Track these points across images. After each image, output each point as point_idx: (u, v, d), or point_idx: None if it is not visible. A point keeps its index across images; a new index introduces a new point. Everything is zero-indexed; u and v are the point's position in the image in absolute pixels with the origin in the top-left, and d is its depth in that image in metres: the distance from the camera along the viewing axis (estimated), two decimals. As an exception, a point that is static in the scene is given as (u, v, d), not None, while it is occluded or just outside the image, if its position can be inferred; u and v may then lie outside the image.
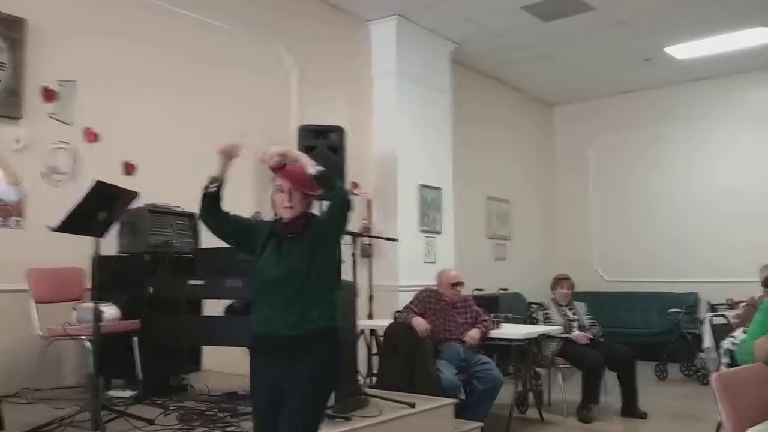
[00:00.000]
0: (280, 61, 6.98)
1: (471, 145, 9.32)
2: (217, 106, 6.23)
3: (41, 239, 4.71)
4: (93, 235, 3.94)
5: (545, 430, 5.90)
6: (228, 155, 2.90)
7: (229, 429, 3.78)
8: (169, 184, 5.38)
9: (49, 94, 5.27)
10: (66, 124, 5.33)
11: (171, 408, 4.29)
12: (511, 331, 5.90)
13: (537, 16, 7.80)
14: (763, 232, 9.24)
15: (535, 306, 7.20)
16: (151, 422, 3.88)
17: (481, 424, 4.96)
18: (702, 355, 7.74)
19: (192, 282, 4.65)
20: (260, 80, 6.72)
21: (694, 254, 9.93)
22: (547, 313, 6.62)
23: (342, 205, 2.84)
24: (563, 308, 6.70)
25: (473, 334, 5.51)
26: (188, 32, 6.16)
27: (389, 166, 7.75)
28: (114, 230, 4.65)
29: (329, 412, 3.69)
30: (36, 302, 4.65)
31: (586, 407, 6.18)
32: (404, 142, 7.85)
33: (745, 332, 3.77)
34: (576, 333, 6.44)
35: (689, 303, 9.39)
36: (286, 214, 2.83)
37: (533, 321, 6.74)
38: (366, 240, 7.12)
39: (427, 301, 5.65)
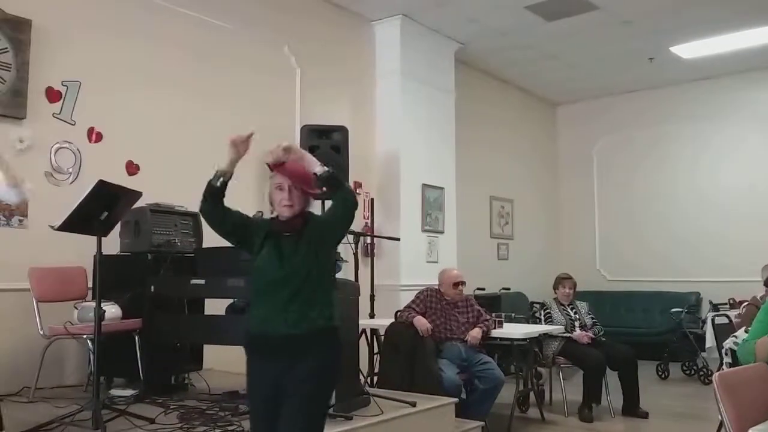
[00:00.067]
0: (284, 61, 6.99)
1: (474, 144, 9.32)
2: (220, 105, 6.25)
3: (44, 238, 4.76)
4: (95, 235, 3.95)
5: (546, 430, 5.91)
6: (239, 148, 2.83)
7: (230, 428, 3.78)
8: (172, 184, 5.41)
9: (53, 95, 5.30)
10: (70, 124, 5.36)
11: (172, 407, 4.30)
12: (512, 330, 5.90)
13: (541, 15, 7.80)
14: (766, 232, 9.22)
15: (537, 305, 7.20)
16: (151, 421, 3.88)
17: (482, 423, 4.96)
18: (704, 354, 7.74)
19: (194, 281, 4.66)
20: (264, 80, 6.74)
21: (696, 254, 9.92)
22: (548, 313, 6.62)
23: (346, 206, 2.83)
24: (565, 308, 6.70)
25: (475, 333, 5.52)
26: (192, 32, 6.18)
27: (392, 165, 7.76)
28: (116, 230, 4.67)
29: (330, 411, 3.69)
30: (38, 301, 4.66)
31: (588, 407, 6.19)
32: (407, 142, 7.85)
33: (747, 332, 3.76)
34: (577, 332, 6.45)
35: (691, 303, 9.41)
36: (286, 212, 2.81)
37: (536, 320, 6.75)
38: (368, 239, 7.13)
39: (428, 300, 5.66)
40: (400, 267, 7.56)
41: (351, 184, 6.77)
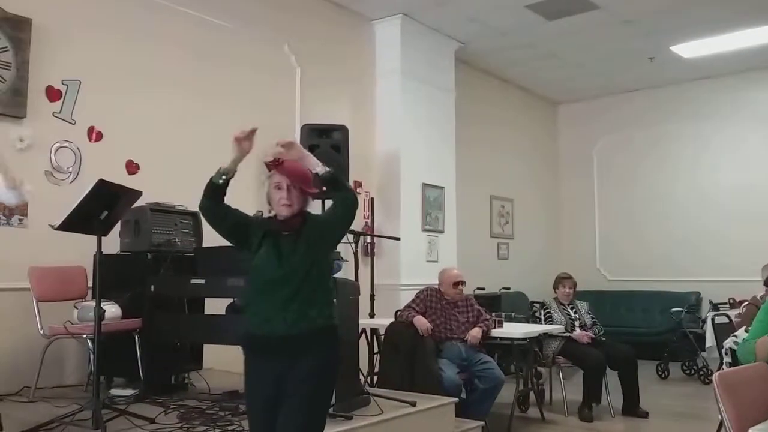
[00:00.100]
0: (284, 60, 6.99)
1: (475, 144, 9.32)
2: (220, 104, 6.25)
3: (44, 238, 4.76)
4: (95, 234, 3.95)
5: (546, 430, 5.91)
6: (243, 145, 2.81)
7: (230, 428, 3.78)
8: (172, 183, 5.41)
9: (53, 94, 5.30)
10: (70, 123, 5.36)
11: (172, 407, 4.30)
12: (512, 330, 5.90)
13: (541, 14, 7.79)
14: (766, 232, 9.22)
15: (537, 305, 7.20)
16: (151, 421, 3.88)
17: (482, 423, 4.96)
18: (704, 354, 7.74)
19: (194, 281, 4.66)
20: (264, 79, 6.73)
21: (696, 253, 9.92)
22: (548, 312, 6.62)
23: (347, 206, 2.83)
24: (565, 307, 6.70)
25: (475, 333, 5.52)
26: (192, 31, 6.17)
27: (392, 164, 7.76)
28: (116, 229, 4.67)
29: (330, 410, 3.69)
30: (38, 301, 4.66)
31: (588, 406, 6.20)
32: (408, 141, 7.85)
33: (747, 331, 3.76)
34: (577, 332, 6.45)
35: (691, 302, 9.41)
36: (284, 212, 2.79)
37: (536, 320, 6.75)
38: (368, 238, 7.13)
39: (428, 300, 5.66)
40: (400, 266, 7.56)
41: (351, 183, 6.78)
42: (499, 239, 10.12)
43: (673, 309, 8.52)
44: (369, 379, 5.68)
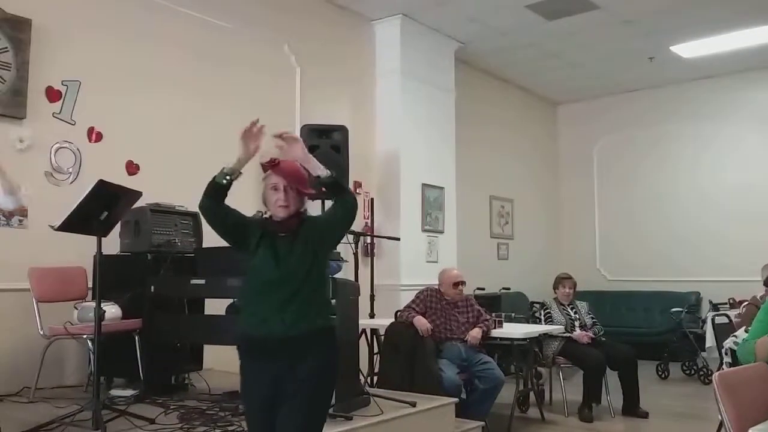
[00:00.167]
0: (284, 60, 6.99)
1: (475, 144, 9.32)
2: (220, 105, 6.25)
3: (44, 238, 4.76)
4: (95, 235, 3.95)
5: (546, 430, 5.91)
6: (250, 145, 2.78)
7: (230, 428, 3.78)
8: (172, 184, 5.41)
9: (53, 94, 5.30)
10: (70, 123, 5.36)
11: (172, 407, 4.30)
12: (512, 330, 5.90)
13: (541, 14, 7.79)
14: (766, 232, 9.22)
15: (537, 305, 7.20)
16: (151, 421, 3.89)
17: (482, 423, 4.96)
18: (704, 354, 7.74)
19: (194, 281, 4.67)
20: (264, 79, 6.73)
21: (696, 253, 9.92)
22: (548, 313, 6.62)
23: (347, 209, 2.83)
24: (565, 307, 6.70)
25: (475, 333, 5.51)
26: (192, 31, 6.17)
27: (392, 165, 7.76)
28: (116, 230, 4.67)
29: (330, 411, 3.69)
30: (38, 301, 4.66)
31: (588, 406, 6.20)
32: (407, 141, 7.85)
33: (747, 332, 3.75)
34: (577, 332, 6.44)
35: (691, 302, 9.41)
36: (281, 213, 2.78)
37: (536, 320, 6.75)
38: (368, 239, 7.13)
39: (428, 300, 5.66)
40: (400, 267, 7.56)
41: (351, 183, 6.78)
42: (499, 239, 10.12)
43: (673, 309, 8.52)
44: (369, 380, 5.68)
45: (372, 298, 6.27)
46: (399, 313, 5.75)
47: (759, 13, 7.80)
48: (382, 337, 5.59)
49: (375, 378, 5.64)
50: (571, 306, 6.74)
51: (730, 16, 7.86)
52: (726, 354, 5.27)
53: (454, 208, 8.42)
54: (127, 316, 4.72)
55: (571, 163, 11.48)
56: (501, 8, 7.66)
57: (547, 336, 6.29)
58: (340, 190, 2.82)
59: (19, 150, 5.03)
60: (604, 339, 6.60)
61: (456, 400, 4.81)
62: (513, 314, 7.29)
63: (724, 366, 5.20)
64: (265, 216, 2.88)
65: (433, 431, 4.52)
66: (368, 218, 7.53)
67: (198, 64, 6.19)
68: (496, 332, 5.69)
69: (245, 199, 3.10)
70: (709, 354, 7.23)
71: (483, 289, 7.79)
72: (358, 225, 6.84)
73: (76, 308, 4.66)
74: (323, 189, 2.83)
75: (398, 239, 6.98)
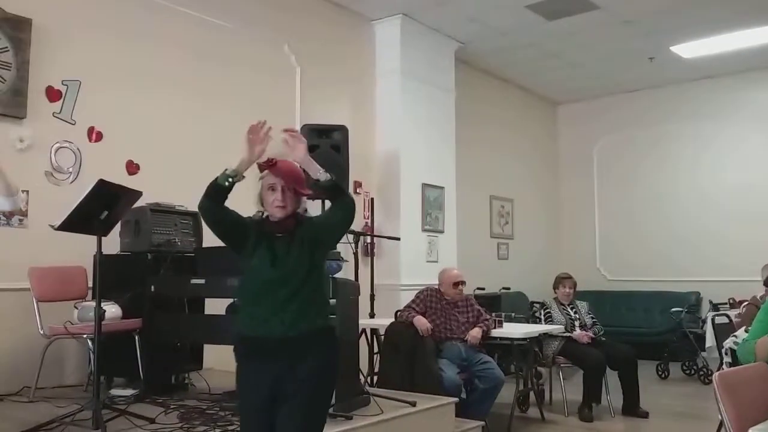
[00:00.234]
0: (284, 60, 6.99)
1: (475, 144, 9.32)
2: (220, 105, 6.25)
3: (44, 238, 4.77)
4: (95, 234, 3.95)
5: (546, 430, 5.91)
6: (255, 148, 2.75)
7: (230, 428, 3.77)
8: (172, 183, 5.41)
9: (53, 94, 5.30)
10: (70, 123, 5.36)
11: (172, 407, 4.31)
12: (512, 330, 5.90)
13: (542, 14, 7.79)
14: (766, 232, 9.22)
15: (537, 305, 7.21)
16: (151, 421, 3.88)
17: (482, 423, 4.96)
18: (704, 354, 7.74)
19: (194, 281, 4.66)
20: (264, 79, 6.73)
21: (697, 253, 9.92)
22: (548, 312, 6.62)
23: (346, 210, 2.82)
24: (565, 307, 6.70)
25: (475, 333, 5.52)
26: (192, 31, 6.18)
27: (392, 165, 7.76)
28: (116, 229, 4.67)
29: (330, 411, 3.69)
30: (38, 301, 4.66)
31: (588, 406, 6.20)
32: (407, 141, 7.85)
33: (747, 332, 3.76)
34: (577, 332, 6.45)
35: (691, 302, 9.41)
36: (278, 213, 2.76)
37: (536, 320, 6.75)
38: (368, 239, 7.13)
39: (428, 300, 5.66)
40: (400, 267, 7.56)
41: (351, 183, 6.79)
42: (499, 239, 10.12)
43: (673, 309, 8.52)
44: (369, 379, 5.68)
45: (372, 297, 6.26)
46: (399, 312, 5.75)
47: (759, 13, 7.80)
48: (382, 337, 5.59)
49: (375, 378, 5.64)
50: (571, 306, 6.74)
51: (730, 16, 7.86)
52: (726, 354, 5.27)
53: (454, 207, 8.42)
54: (127, 316, 4.72)
55: (571, 163, 11.48)
56: (501, 8, 7.66)
57: (547, 336, 6.29)
58: (338, 194, 2.80)
59: (19, 150, 5.04)
60: (604, 339, 6.60)
61: (456, 399, 4.81)
62: (513, 314, 7.28)
63: (724, 366, 5.20)
64: (262, 216, 2.86)
65: (433, 431, 4.52)
66: (368, 218, 7.53)
67: (198, 64, 6.19)
68: (496, 332, 5.69)
69: (246, 199, 3.10)
70: (709, 354, 7.23)
71: (483, 288, 7.80)
72: (358, 225, 6.84)
73: (76, 308, 4.66)
74: (322, 190, 2.82)
75: (398, 239, 6.98)
